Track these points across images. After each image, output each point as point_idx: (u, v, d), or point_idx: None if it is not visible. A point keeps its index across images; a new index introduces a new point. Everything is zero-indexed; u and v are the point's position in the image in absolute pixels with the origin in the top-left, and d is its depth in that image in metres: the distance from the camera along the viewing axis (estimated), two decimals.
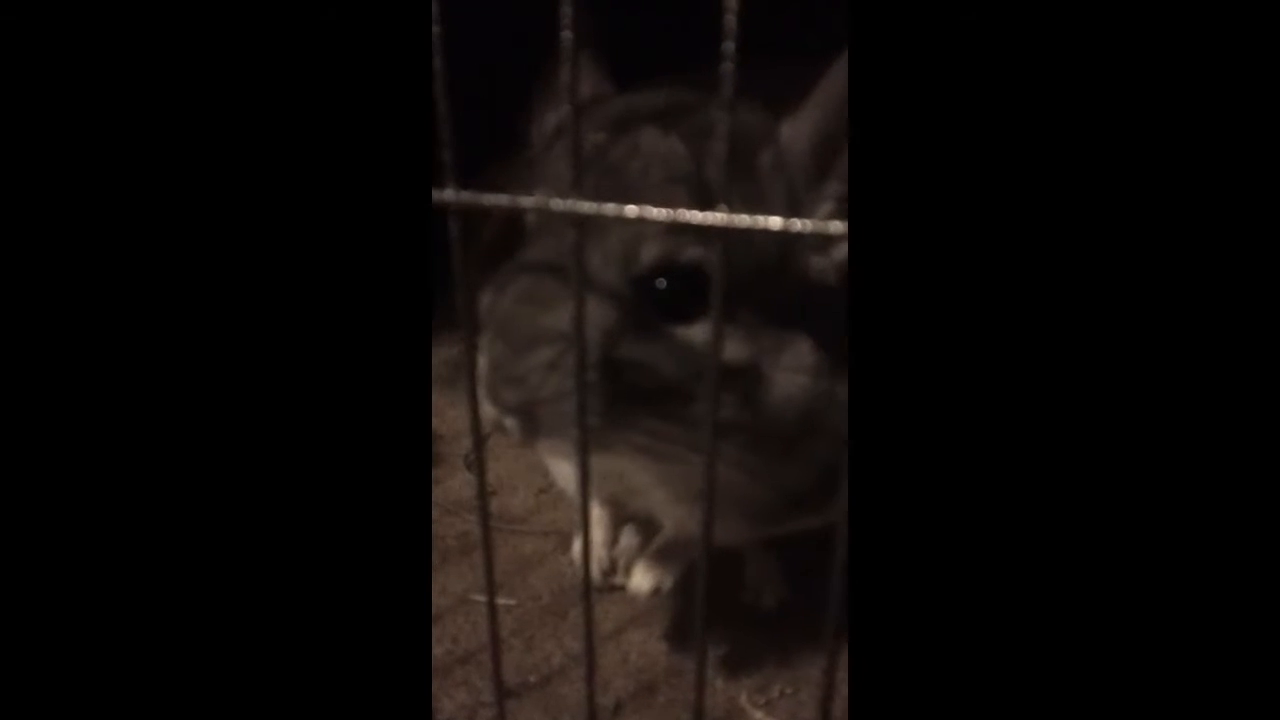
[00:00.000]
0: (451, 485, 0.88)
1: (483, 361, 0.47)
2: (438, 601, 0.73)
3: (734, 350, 0.48)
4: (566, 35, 0.30)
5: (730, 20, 0.28)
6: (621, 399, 0.47)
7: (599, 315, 0.47)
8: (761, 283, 0.49)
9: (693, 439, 0.48)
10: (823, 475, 0.54)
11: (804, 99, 0.51)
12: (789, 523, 0.59)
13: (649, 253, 0.47)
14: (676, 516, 0.63)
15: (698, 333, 0.48)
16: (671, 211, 0.31)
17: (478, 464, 0.37)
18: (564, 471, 0.68)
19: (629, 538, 0.76)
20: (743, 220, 0.30)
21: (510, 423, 0.47)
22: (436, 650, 0.69)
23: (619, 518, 0.75)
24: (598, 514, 0.74)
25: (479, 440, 0.38)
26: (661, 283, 0.48)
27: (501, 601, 0.74)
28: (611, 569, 0.75)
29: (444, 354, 0.42)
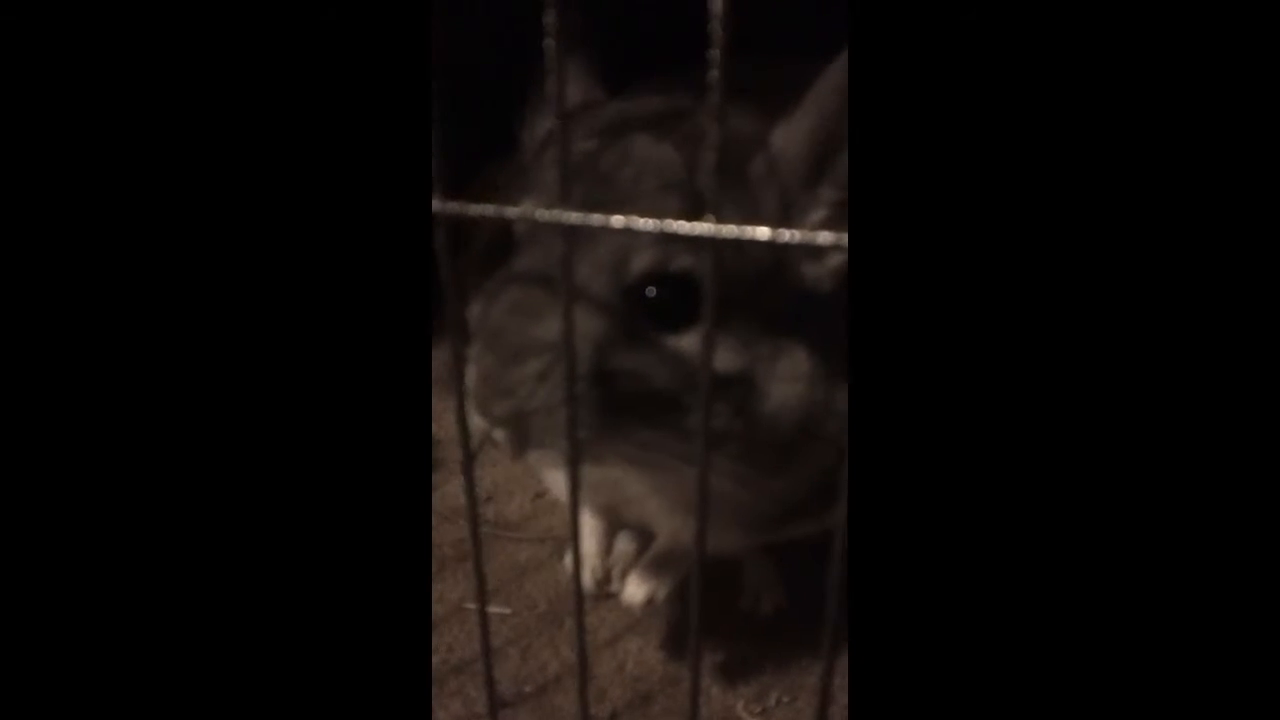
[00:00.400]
0: (449, 491, 0.87)
1: (472, 372, 0.47)
2: (434, 609, 0.73)
3: (727, 359, 0.48)
4: (550, 44, 0.29)
5: (716, 28, 0.27)
6: (613, 410, 0.47)
7: (589, 325, 0.46)
8: (754, 291, 0.48)
9: (685, 450, 0.47)
10: (818, 483, 0.53)
11: (797, 102, 0.50)
12: (785, 531, 0.59)
13: (639, 262, 0.47)
14: (671, 526, 0.62)
15: (689, 342, 0.48)
16: (659, 221, 0.30)
17: (467, 476, 0.36)
18: (556, 479, 0.68)
19: (624, 544, 0.76)
20: (731, 230, 0.29)
21: (500, 434, 0.47)
22: (432, 659, 0.69)
23: (613, 526, 0.75)
24: (592, 523, 0.74)
25: (468, 452, 0.37)
26: (652, 291, 0.47)
27: (497, 610, 0.74)
28: (606, 578, 0.74)
29: (442, 357, 0.41)
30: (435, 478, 0.88)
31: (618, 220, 0.30)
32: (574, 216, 0.31)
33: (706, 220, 0.29)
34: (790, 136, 0.50)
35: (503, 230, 0.52)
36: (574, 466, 0.35)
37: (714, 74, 0.28)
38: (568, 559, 0.78)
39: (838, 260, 0.49)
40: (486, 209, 0.32)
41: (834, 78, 0.47)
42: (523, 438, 0.46)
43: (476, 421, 0.46)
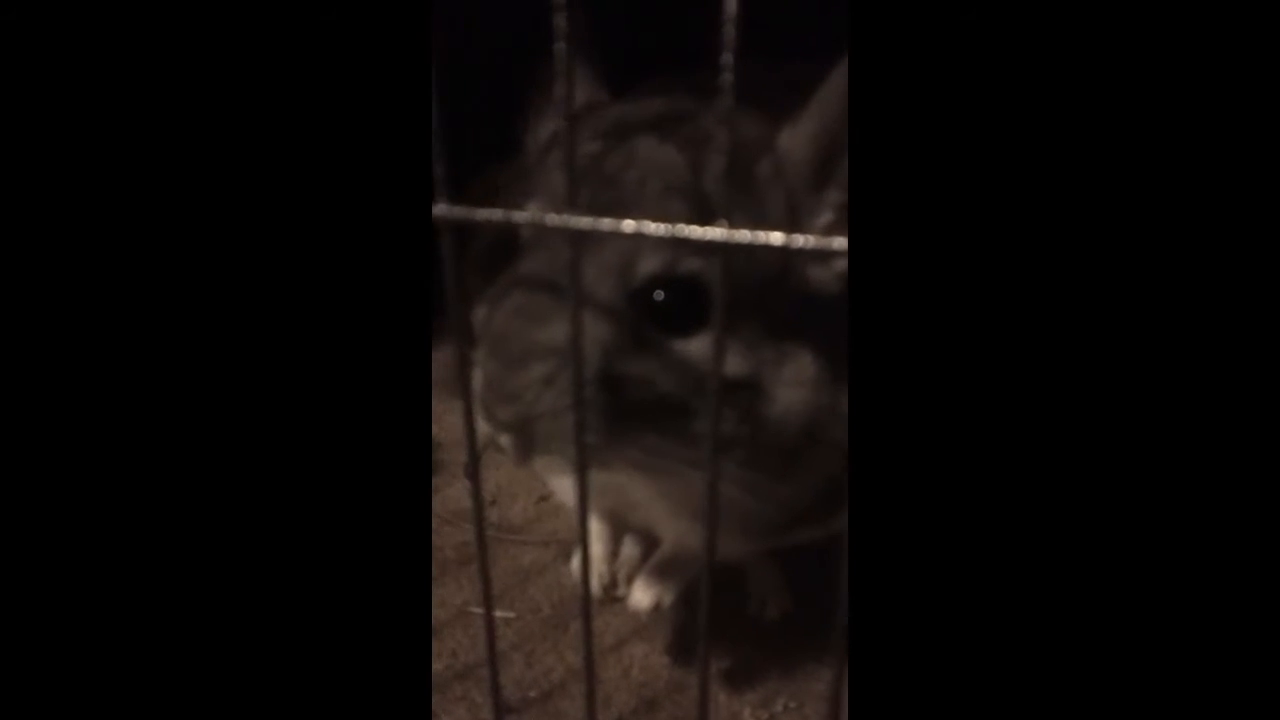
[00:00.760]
0: (450, 494, 0.87)
1: (478, 377, 0.46)
2: (436, 614, 0.72)
3: (734, 364, 0.47)
4: (560, 47, 0.29)
5: (730, 31, 0.27)
6: (619, 415, 0.46)
7: (595, 329, 0.46)
8: (761, 295, 0.48)
9: (692, 455, 0.47)
10: (824, 489, 0.53)
11: (803, 104, 0.50)
12: (791, 536, 0.58)
13: (646, 265, 0.47)
14: (677, 531, 0.62)
15: (697, 346, 0.47)
16: (670, 226, 0.30)
17: (474, 479, 0.36)
18: (563, 484, 0.68)
19: (630, 549, 0.76)
20: (743, 236, 0.29)
21: (505, 440, 0.46)
22: (435, 665, 0.69)
23: (619, 530, 0.74)
24: (597, 527, 0.73)
25: (474, 455, 0.37)
26: (659, 295, 0.47)
27: (501, 614, 0.73)
28: (612, 583, 0.74)
29: (444, 359, 0.41)
30: (436, 481, 0.87)
31: (628, 225, 0.30)
32: (583, 221, 0.30)
33: (719, 225, 0.29)
34: (796, 139, 0.50)
35: (505, 234, 0.51)
36: (581, 472, 0.34)
37: (726, 77, 0.27)
38: (573, 563, 0.78)
39: (845, 264, 0.49)
40: (493, 213, 0.32)
41: (840, 80, 0.47)
42: (528, 443, 0.46)
43: (481, 426, 0.46)
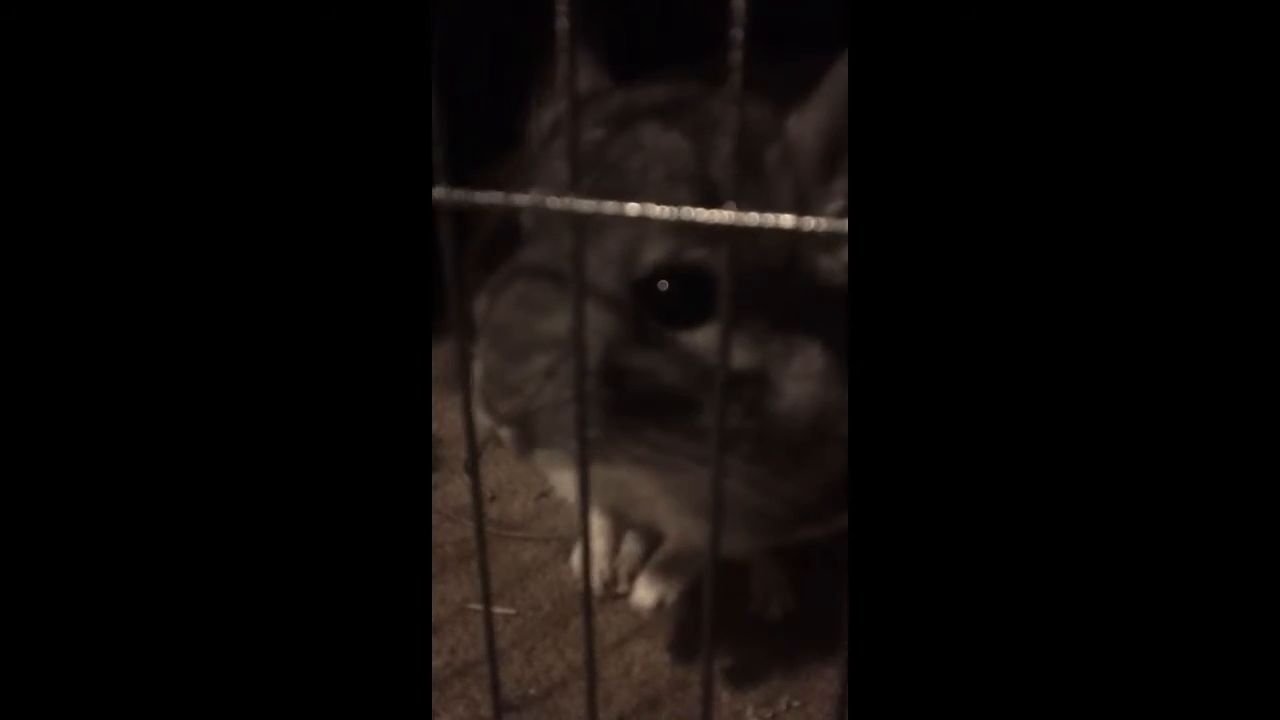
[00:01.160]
0: (450, 490, 0.86)
1: (478, 369, 0.45)
2: (436, 611, 0.72)
3: (740, 357, 0.46)
4: (563, 24, 0.28)
5: (739, 5, 0.26)
6: (622, 409, 0.45)
7: (598, 320, 0.45)
8: (768, 285, 0.47)
9: (697, 450, 0.46)
10: (830, 486, 0.52)
11: (811, 91, 0.49)
12: (796, 534, 0.58)
13: (651, 254, 0.46)
14: (680, 527, 0.61)
15: (702, 338, 0.46)
16: (677, 210, 0.29)
17: (473, 474, 0.35)
18: (563, 480, 0.67)
19: (631, 545, 0.75)
20: (752, 219, 0.28)
21: (506, 433, 0.45)
22: (434, 662, 0.68)
23: (620, 527, 0.73)
24: (598, 523, 0.73)
25: (474, 450, 0.36)
26: (664, 285, 0.46)
27: (500, 611, 0.73)
28: (613, 579, 0.73)
29: (443, 355, 0.40)
30: (436, 477, 0.87)
31: (634, 209, 0.29)
32: (586, 205, 0.30)
33: (727, 209, 0.28)
34: (805, 126, 0.49)
35: (506, 223, 0.50)
36: (583, 467, 0.33)
37: (735, 55, 0.26)
38: (574, 560, 0.77)
39: None
40: (494, 196, 0.31)
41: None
42: (529, 436, 0.45)
43: (481, 420, 0.45)
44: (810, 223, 0.28)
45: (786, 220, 0.28)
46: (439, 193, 0.31)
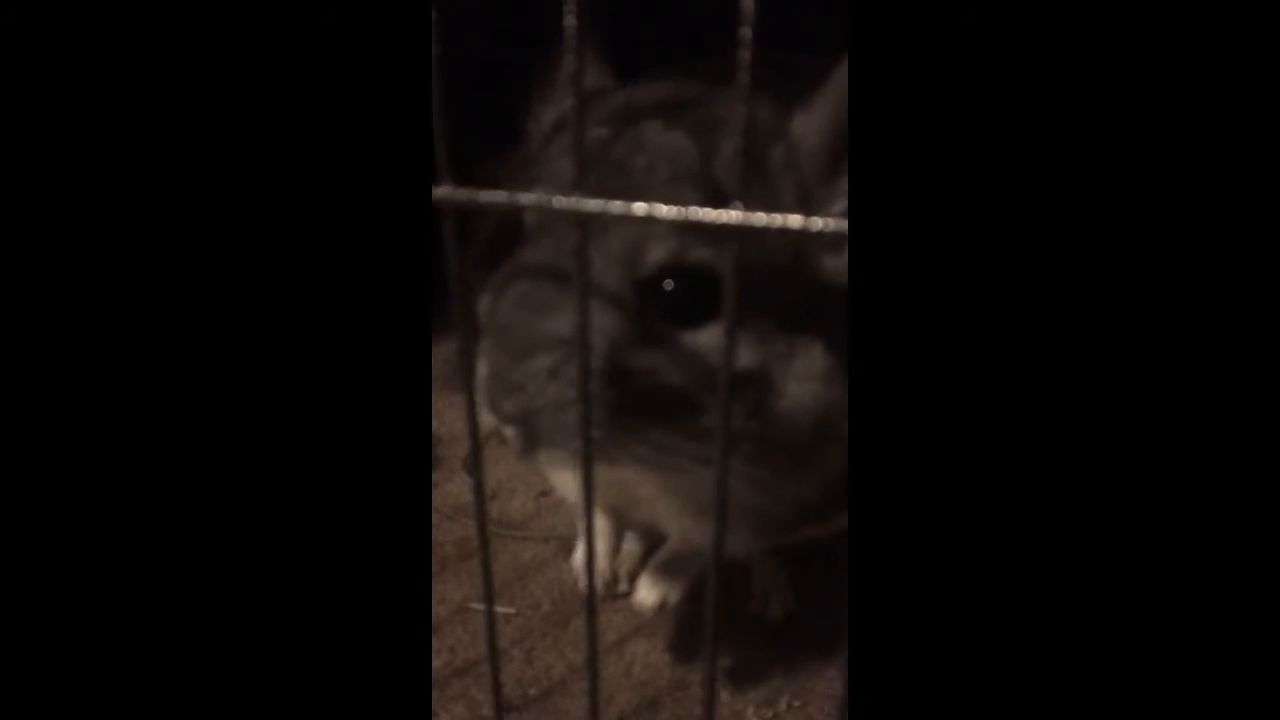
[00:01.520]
0: (450, 489, 0.86)
1: (481, 368, 0.45)
2: (435, 610, 0.72)
3: (744, 357, 0.46)
4: (571, 22, 0.28)
5: (748, 4, 0.26)
6: (625, 409, 0.45)
7: (601, 320, 0.44)
8: (773, 285, 0.47)
9: (699, 450, 0.46)
10: (832, 486, 0.51)
11: (816, 91, 0.48)
12: (797, 534, 0.57)
13: (655, 253, 0.45)
14: (682, 527, 0.61)
15: (706, 338, 0.46)
16: (683, 210, 0.29)
17: (476, 472, 0.35)
18: (565, 479, 0.67)
19: (631, 545, 0.75)
20: (759, 219, 0.28)
21: (509, 432, 0.45)
22: (434, 662, 0.68)
23: (620, 526, 0.73)
24: (600, 523, 0.72)
25: (477, 448, 0.36)
26: (669, 284, 0.46)
27: (501, 610, 0.72)
28: (614, 579, 0.73)
29: (443, 354, 0.40)
30: (436, 476, 0.87)
31: (639, 208, 0.29)
32: (592, 204, 0.29)
33: (733, 208, 0.28)
34: (810, 126, 0.49)
35: (508, 221, 0.50)
36: (587, 467, 0.33)
37: (743, 54, 0.26)
38: (574, 559, 0.77)
39: None
40: (498, 195, 0.31)
41: None
42: (532, 436, 0.45)
43: (484, 418, 0.45)
44: (817, 223, 0.28)
45: (794, 221, 0.28)
46: (442, 191, 0.30)
